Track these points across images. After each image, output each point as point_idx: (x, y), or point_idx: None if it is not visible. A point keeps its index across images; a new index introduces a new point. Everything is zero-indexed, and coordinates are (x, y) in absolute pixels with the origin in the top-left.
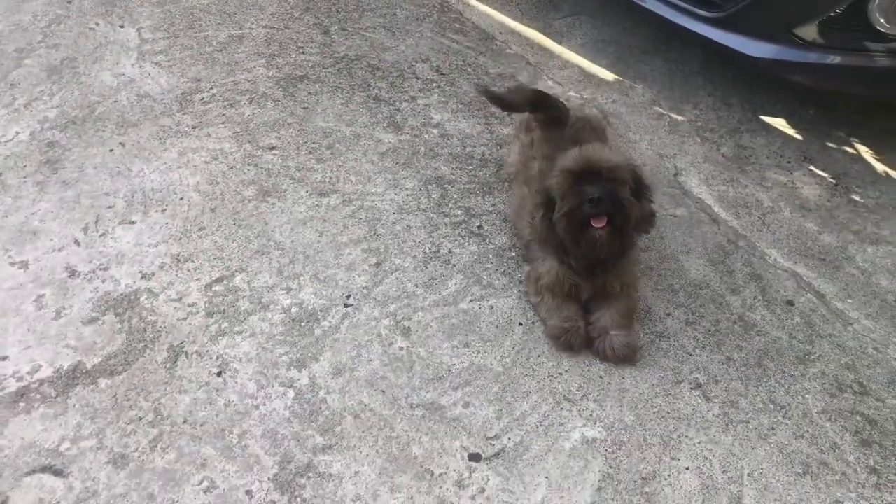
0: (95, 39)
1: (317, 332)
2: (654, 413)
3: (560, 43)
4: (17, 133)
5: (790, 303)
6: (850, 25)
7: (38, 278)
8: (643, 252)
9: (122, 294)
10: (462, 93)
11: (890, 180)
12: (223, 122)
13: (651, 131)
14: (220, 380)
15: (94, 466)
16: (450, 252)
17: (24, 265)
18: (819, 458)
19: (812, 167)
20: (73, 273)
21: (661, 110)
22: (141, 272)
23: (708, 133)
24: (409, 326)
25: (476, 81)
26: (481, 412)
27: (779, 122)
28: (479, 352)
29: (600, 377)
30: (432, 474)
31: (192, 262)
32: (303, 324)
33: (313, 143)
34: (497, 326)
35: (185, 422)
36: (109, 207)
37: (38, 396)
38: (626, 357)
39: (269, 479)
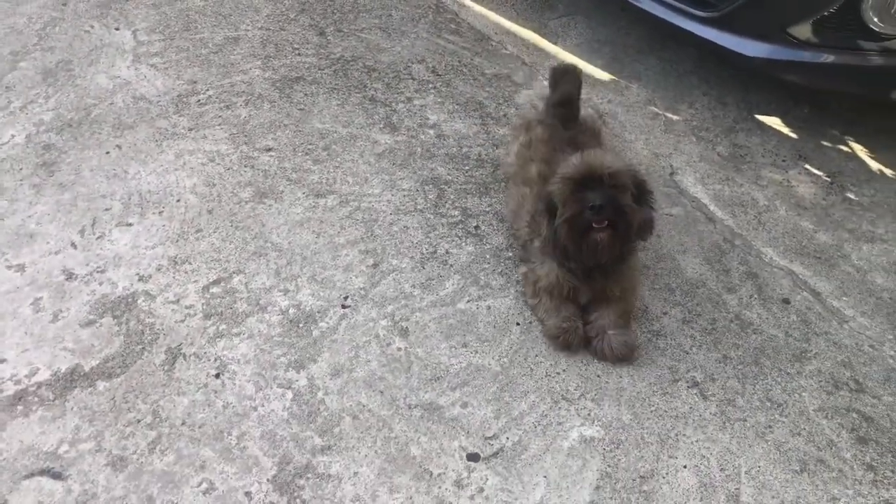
0: (91, 42)
1: (315, 334)
2: (651, 412)
3: (555, 43)
4: (13, 136)
5: (786, 301)
6: (843, 24)
7: (34, 281)
8: (640, 251)
9: (119, 296)
10: (458, 93)
11: (884, 178)
12: (219, 124)
13: (646, 131)
14: (219, 381)
15: (93, 469)
16: (447, 252)
17: (21, 268)
18: (816, 456)
19: (807, 166)
20: (70, 276)
21: (656, 110)
22: (138, 274)
23: (703, 132)
24: (406, 327)
25: (472, 80)
26: (479, 412)
27: (774, 121)
28: (476, 352)
29: (598, 376)
30: (431, 474)
31: (190, 263)
32: (301, 325)
33: (310, 144)
34: (495, 326)
35: (183, 424)
36: (106, 210)
37: (36, 399)
38: (624, 356)
39: (268, 480)
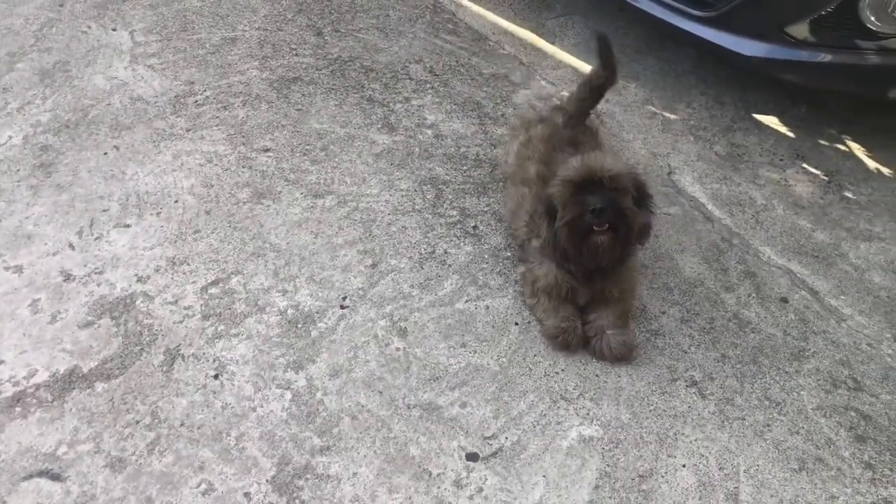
0: (88, 43)
1: (313, 334)
2: (650, 411)
3: (553, 43)
4: (10, 137)
5: (784, 300)
6: (840, 24)
7: (32, 283)
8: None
9: (117, 297)
10: (456, 93)
11: (882, 177)
12: (217, 125)
13: (644, 130)
14: (217, 382)
15: (92, 470)
16: (445, 252)
17: (19, 269)
18: (814, 454)
19: (805, 165)
20: (68, 277)
21: (654, 109)
22: (136, 275)
23: (701, 132)
24: (405, 327)
25: (469, 80)
26: (478, 412)
27: (771, 121)
28: (475, 352)
29: (596, 376)
30: (430, 474)
31: (188, 264)
32: (299, 326)
33: (307, 144)
34: (493, 326)
35: (182, 425)
36: (104, 211)
37: (35, 401)
38: (623, 356)
39: (267, 480)
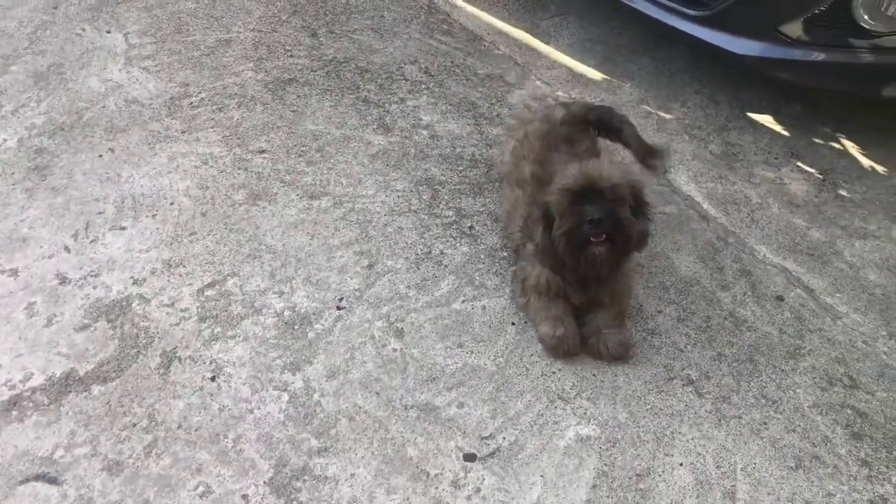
0: (82, 45)
1: (310, 336)
2: (647, 410)
3: (548, 43)
4: (5, 140)
5: (780, 298)
6: (834, 22)
7: (28, 286)
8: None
9: (113, 300)
10: (451, 94)
11: (876, 175)
12: (212, 127)
13: (639, 130)
14: (214, 384)
15: (89, 474)
16: (441, 253)
17: (14, 273)
18: (811, 452)
19: (799, 163)
20: (63, 280)
21: (649, 109)
22: (132, 278)
23: (696, 131)
24: (402, 328)
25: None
26: (476, 412)
27: (766, 119)
28: (472, 352)
29: (593, 375)
30: (428, 475)
31: (184, 267)
32: (296, 327)
33: (303, 146)
34: (490, 326)
35: (179, 427)
36: (99, 213)
37: (31, 404)
38: (620, 355)
39: (264, 482)
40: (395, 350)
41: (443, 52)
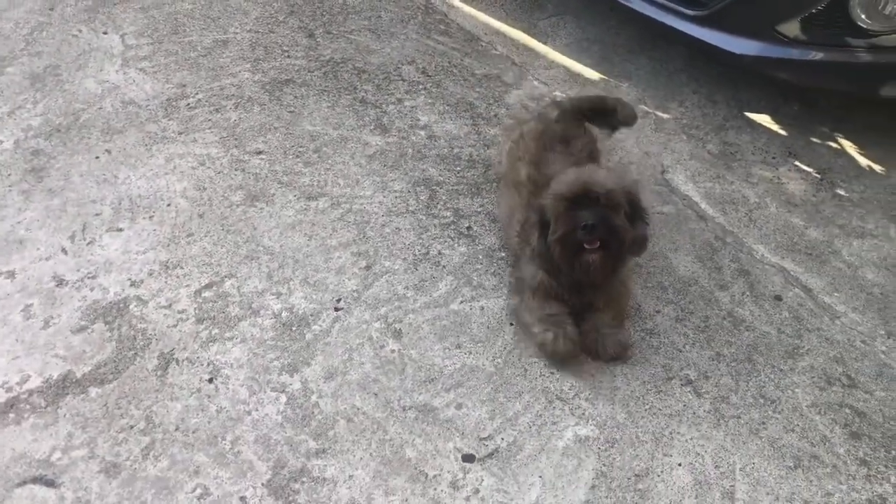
0: (79, 46)
1: (308, 337)
2: (645, 410)
3: (545, 43)
4: (1, 142)
5: (778, 298)
6: (831, 22)
7: (25, 288)
8: None
9: (110, 302)
10: (448, 94)
11: (873, 174)
12: (209, 128)
13: (637, 129)
14: (212, 386)
15: (86, 476)
16: (439, 254)
17: (11, 275)
18: (810, 452)
19: (797, 162)
20: (60, 282)
21: (646, 108)
22: (129, 280)
23: (693, 130)
24: (400, 329)
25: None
26: (474, 413)
27: (763, 119)
28: (470, 353)
29: (592, 375)
30: (426, 476)
31: (181, 268)
32: (293, 328)
33: (300, 146)
34: (488, 327)
35: (177, 429)
36: (96, 215)
37: (28, 407)
38: (618, 355)
39: (262, 484)
40: (393, 351)
41: (440, 52)
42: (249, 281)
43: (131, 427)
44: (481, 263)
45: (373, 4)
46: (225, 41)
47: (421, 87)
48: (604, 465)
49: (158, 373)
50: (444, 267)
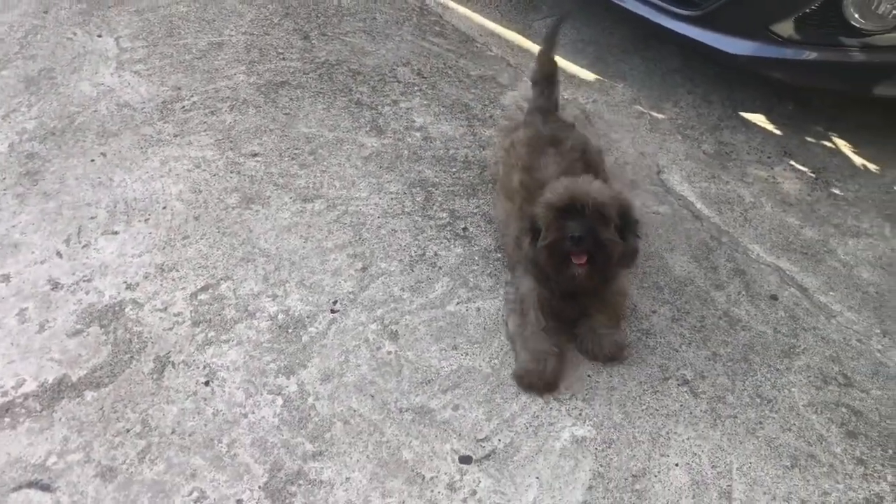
0: (73, 49)
1: (304, 339)
2: (642, 410)
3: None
4: None
5: (774, 297)
6: (825, 21)
7: (20, 291)
8: None
9: (106, 305)
10: (444, 95)
11: (868, 173)
12: (205, 130)
13: (632, 130)
14: (208, 389)
15: (82, 480)
16: (435, 255)
17: (6, 278)
18: (806, 451)
19: (792, 162)
20: (55, 285)
21: (641, 109)
22: (125, 283)
23: (689, 130)
24: (396, 330)
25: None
26: (471, 414)
27: (758, 118)
28: (467, 354)
29: (588, 376)
30: (423, 478)
31: (177, 271)
32: (290, 331)
33: (296, 148)
34: (485, 328)
35: (173, 432)
36: (91, 218)
37: (24, 411)
38: (614, 355)
39: (259, 487)
40: (389, 353)
41: (435, 53)
42: (245, 283)
43: (127, 431)
44: (477, 265)
45: (368, 6)
46: (220, 44)
47: (416, 88)
48: (601, 465)
49: (154, 376)
50: (440, 268)
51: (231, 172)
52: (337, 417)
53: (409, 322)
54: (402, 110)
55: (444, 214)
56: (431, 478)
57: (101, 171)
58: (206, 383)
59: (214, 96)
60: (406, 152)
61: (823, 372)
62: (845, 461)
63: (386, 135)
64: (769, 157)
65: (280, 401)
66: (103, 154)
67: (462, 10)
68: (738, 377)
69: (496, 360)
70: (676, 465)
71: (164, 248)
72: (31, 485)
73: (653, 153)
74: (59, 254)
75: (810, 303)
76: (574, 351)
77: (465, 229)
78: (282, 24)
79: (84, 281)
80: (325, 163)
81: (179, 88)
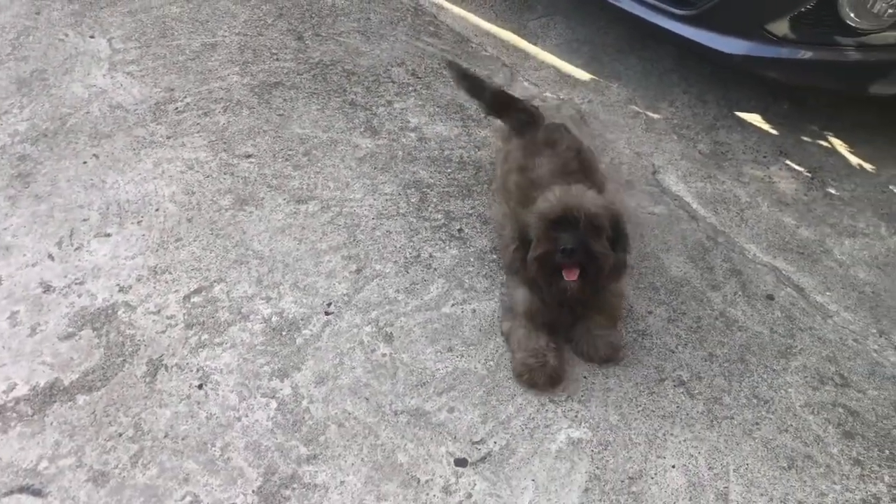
0: (65, 50)
1: (298, 341)
2: (638, 412)
3: (535, 44)
4: None
5: (770, 297)
6: (820, 21)
7: (11, 294)
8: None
9: (98, 308)
10: (438, 96)
11: (864, 173)
12: (198, 132)
13: (628, 130)
14: (202, 392)
15: (74, 485)
16: (430, 256)
17: None
18: (803, 452)
19: (788, 161)
20: (47, 288)
21: (637, 109)
22: (118, 285)
23: (684, 130)
24: (391, 332)
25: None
26: (466, 416)
27: (754, 118)
28: (462, 356)
29: (584, 377)
30: (419, 481)
31: (170, 273)
32: (283, 333)
33: (290, 150)
34: (480, 330)
35: (166, 436)
36: (84, 220)
37: (15, 415)
38: (610, 356)
39: (253, 491)
40: (384, 355)
41: (430, 54)
42: (239, 286)
43: (120, 435)
44: (473, 266)
45: (362, 6)
46: (213, 44)
47: (411, 88)
48: (597, 467)
49: (147, 379)
50: (435, 270)
51: (224, 174)
52: (331, 420)
53: (403, 324)
54: (396, 111)
55: (439, 216)
56: (427, 481)
57: (94, 172)
58: (200, 386)
59: (208, 97)
60: (401, 153)
61: (820, 372)
62: (842, 462)
63: (380, 135)
64: (765, 157)
65: (274, 404)
66: (96, 156)
67: (457, 10)
68: (734, 378)
69: (491, 362)
70: (673, 466)
71: (156, 251)
72: (22, 490)
73: (648, 153)
74: (50, 256)
75: (807, 303)
76: (569, 353)
77: (460, 230)
78: (275, 25)
79: (76, 284)
80: (319, 164)
81: (172, 90)
